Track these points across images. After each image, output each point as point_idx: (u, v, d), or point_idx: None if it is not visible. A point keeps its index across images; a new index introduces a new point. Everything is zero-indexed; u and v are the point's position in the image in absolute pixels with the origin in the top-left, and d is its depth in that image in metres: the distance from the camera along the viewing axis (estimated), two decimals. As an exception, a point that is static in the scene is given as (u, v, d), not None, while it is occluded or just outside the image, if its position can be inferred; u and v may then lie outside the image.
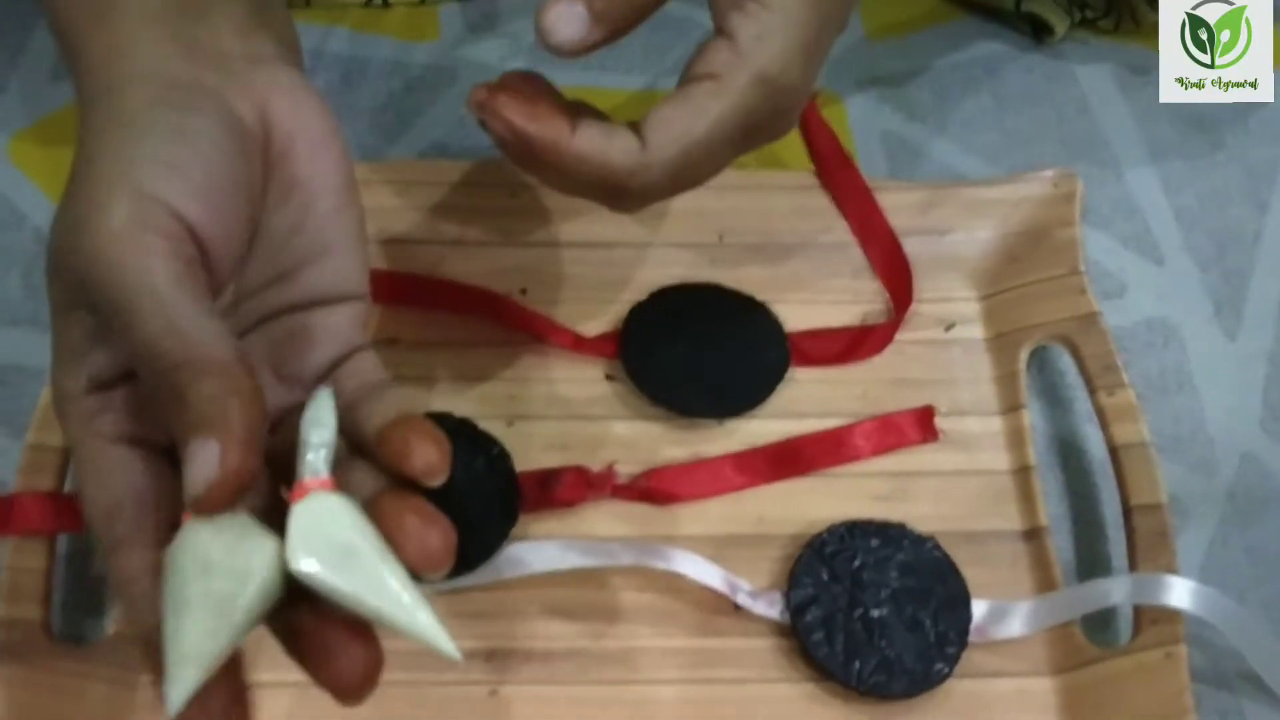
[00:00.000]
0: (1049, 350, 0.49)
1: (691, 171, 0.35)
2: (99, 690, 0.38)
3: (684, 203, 0.49)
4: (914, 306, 0.49)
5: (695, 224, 0.50)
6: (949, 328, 0.49)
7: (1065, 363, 0.49)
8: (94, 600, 0.42)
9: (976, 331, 0.49)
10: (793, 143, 0.51)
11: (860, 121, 0.56)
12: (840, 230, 0.50)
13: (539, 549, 0.42)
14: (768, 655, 0.42)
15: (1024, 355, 0.48)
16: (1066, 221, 0.49)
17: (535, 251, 0.49)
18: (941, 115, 0.57)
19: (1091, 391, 0.46)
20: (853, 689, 0.41)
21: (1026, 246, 0.50)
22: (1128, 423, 0.45)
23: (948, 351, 0.49)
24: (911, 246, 0.50)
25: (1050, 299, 0.48)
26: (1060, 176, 0.50)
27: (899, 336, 0.48)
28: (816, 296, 0.49)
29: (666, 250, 0.50)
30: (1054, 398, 0.49)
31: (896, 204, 0.50)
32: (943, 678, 0.41)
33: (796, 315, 0.48)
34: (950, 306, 0.50)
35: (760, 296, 0.49)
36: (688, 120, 0.34)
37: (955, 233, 0.50)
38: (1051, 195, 0.50)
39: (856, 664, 0.41)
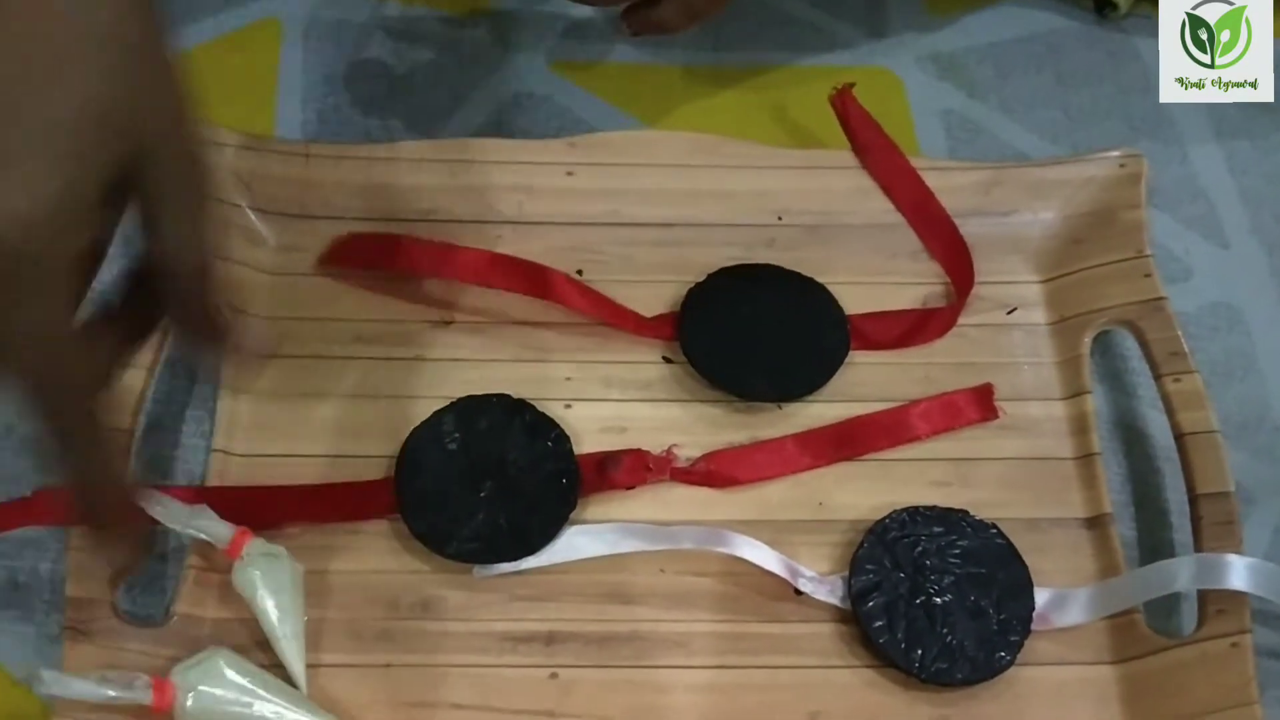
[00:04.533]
0: (1112, 333, 0.49)
1: None
2: (165, 669, 0.38)
3: (742, 183, 0.49)
4: (975, 289, 0.48)
5: (753, 204, 0.49)
6: (1011, 311, 0.49)
7: (1129, 346, 0.48)
8: (155, 580, 0.42)
9: (1039, 315, 0.48)
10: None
11: (919, 99, 0.55)
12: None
13: (599, 533, 0.42)
14: (828, 641, 0.42)
15: (1088, 340, 0.47)
16: (1132, 203, 0.49)
17: (592, 231, 0.49)
18: (1002, 93, 0.56)
19: (1157, 378, 0.45)
20: (914, 676, 0.40)
21: (1091, 229, 0.49)
22: (1194, 410, 0.44)
23: (1009, 335, 0.48)
24: (973, 228, 0.49)
25: (1115, 282, 0.48)
26: (1126, 157, 0.49)
27: (961, 320, 0.48)
28: (877, 278, 0.49)
29: (724, 231, 0.49)
30: (1117, 382, 0.48)
31: (957, 184, 0.50)
32: (1005, 666, 0.41)
33: (856, 297, 0.48)
34: (1012, 289, 0.49)
35: (819, 278, 0.48)
36: None
37: (1018, 214, 0.50)
38: (1117, 176, 0.49)
39: (918, 651, 0.41)
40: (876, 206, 0.49)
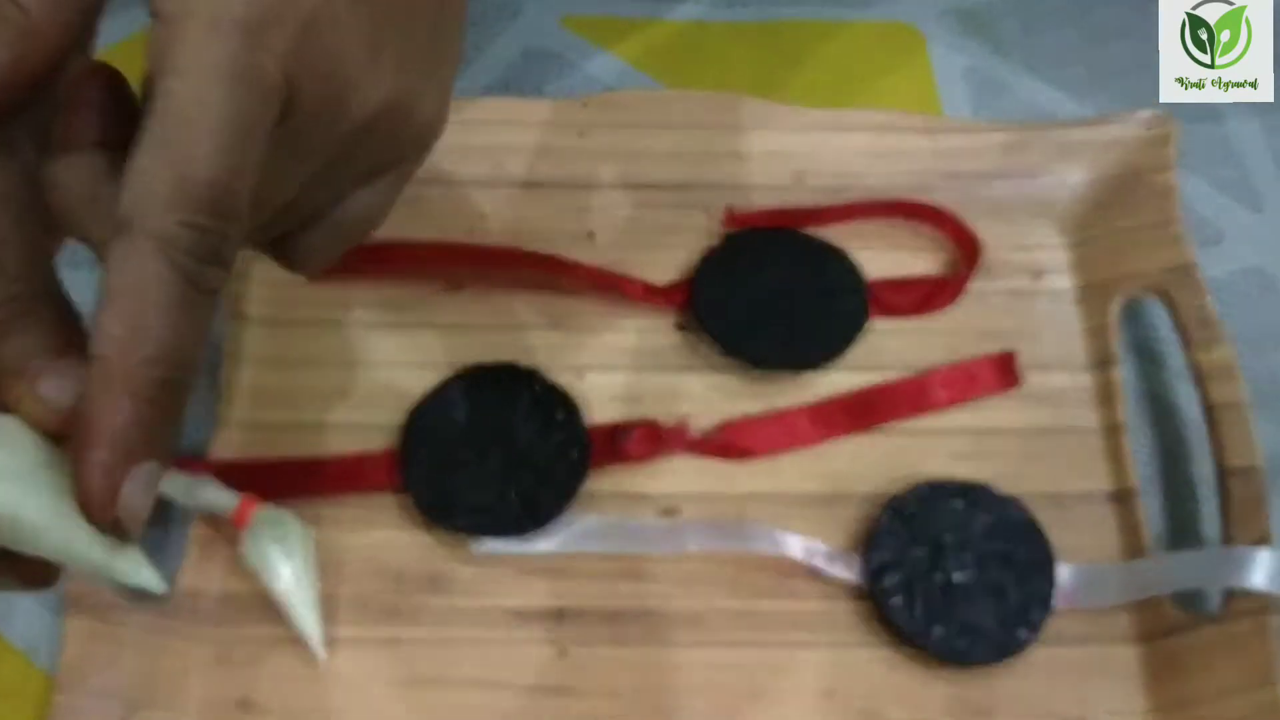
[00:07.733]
0: (1141, 302, 0.47)
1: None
2: (171, 643, 0.38)
3: (759, 144, 0.48)
4: (999, 254, 0.47)
5: (772, 165, 0.48)
6: (1036, 277, 0.47)
7: (1158, 315, 0.47)
8: (157, 549, 0.41)
9: (1065, 281, 0.47)
10: (880, 84, 0.49)
11: (942, 56, 0.54)
12: (926, 173, 0.48)
13: (607, 529, 0.41)
14: (844, 619, 0.41)
15: (1115, 307, 0.46)
16: (1162, 166, 0.47)
17: (605, 193, 0.48)
18: (1029, 49, 0.54)
19: (1187, 347, 0.44)
20: (932, 655, 0.40)
21: (1119, 192, 0.47)
22: (1225, 381, 0.43)
23: (1034, 302, 0.47)
24: (997, 190, 0.48)
25: (1144, 248, 0.46)
26: (1156, 118, 0.48)
27: (984, 286, 0.46)
28: (898, 243, 0.47)
29: (741, 193, 0.48)
30: (1146, 352, 0.47)
31: (981, 145, 0.48)
32: (1025, 644, 0.40)
33: (877, 263, 0.46)
34: (1038, 254, 0.47)
35: (839, 243, 0.47)
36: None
37: (1044, 176, 0.48)
38: (1146, 137, 0.48)
39: (937, 629, 0.40)
40: (899, 168, 0.48)
